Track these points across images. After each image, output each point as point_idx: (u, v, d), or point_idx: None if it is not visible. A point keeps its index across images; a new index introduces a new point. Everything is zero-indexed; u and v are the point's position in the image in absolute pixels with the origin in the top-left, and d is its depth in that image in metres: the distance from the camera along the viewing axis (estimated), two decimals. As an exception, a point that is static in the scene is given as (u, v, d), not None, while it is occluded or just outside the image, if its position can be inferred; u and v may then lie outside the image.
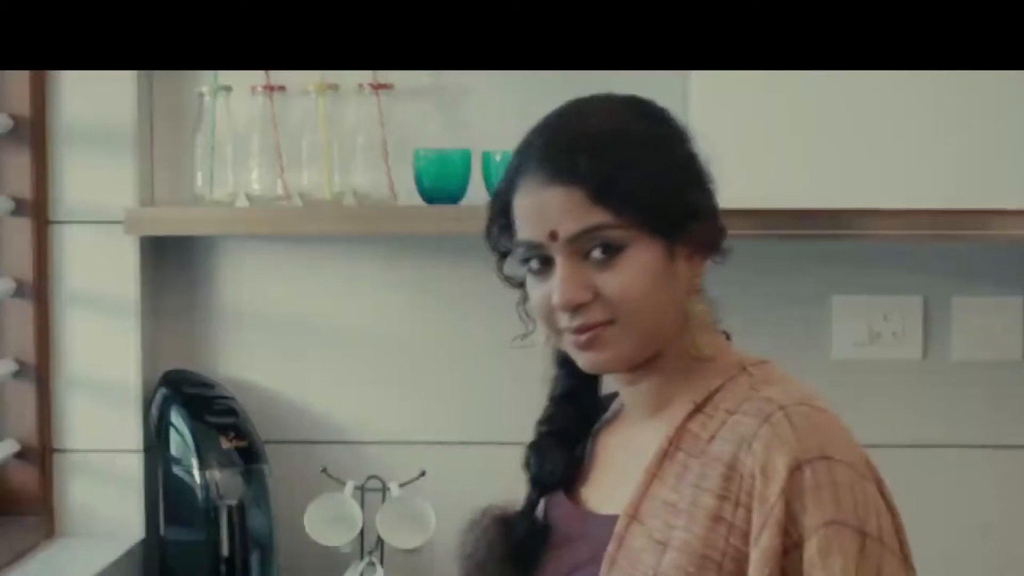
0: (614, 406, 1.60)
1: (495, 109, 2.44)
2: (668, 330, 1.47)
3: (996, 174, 2.19)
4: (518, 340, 1.57)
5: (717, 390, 1.47)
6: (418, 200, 2.36)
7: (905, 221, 2.22)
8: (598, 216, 1.43)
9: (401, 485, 2.40)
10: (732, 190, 2.18)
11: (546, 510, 1.58)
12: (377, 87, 2.37)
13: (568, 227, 1.43)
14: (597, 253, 1.43)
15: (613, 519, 1.46)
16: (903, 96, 2.17)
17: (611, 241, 1.43)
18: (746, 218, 2.20)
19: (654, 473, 1.45)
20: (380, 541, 2.38)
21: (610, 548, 1.44)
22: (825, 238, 2.33)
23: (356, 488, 2.40)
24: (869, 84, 2.15)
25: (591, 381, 1.59)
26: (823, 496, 1.37)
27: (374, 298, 2.50)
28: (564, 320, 1.46)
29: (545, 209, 1.45)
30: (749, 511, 1.38)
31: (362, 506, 2.39)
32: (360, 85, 2.38)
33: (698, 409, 1.47)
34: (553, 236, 1.44)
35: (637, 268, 1.43)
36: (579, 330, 1.45)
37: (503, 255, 1.54)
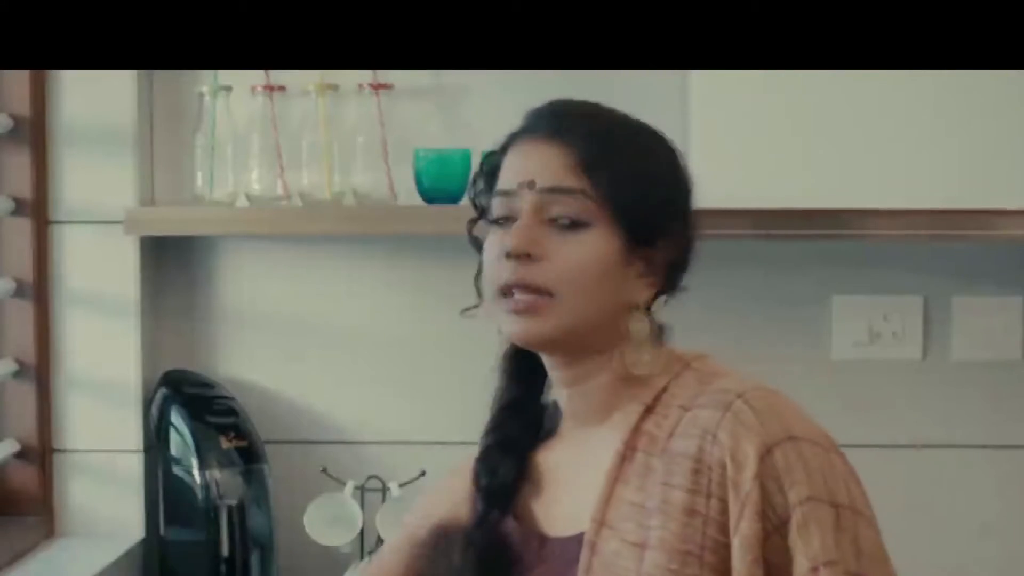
0: (547, 424, 1.57)
1: (495, 109, 2.41)
2: (600, 325, 1.46)
3: (996, 174, 2.19)
4: (467, 312, 1.57)
5: (664, 389, 1.47)
6: (418, 200, 2.36)
7: (905, 221, 2.22)
8: (578, 181, 1.44)
9: (401, 485, 2.40)
10: (732, 190, 2.18)
11: (497, 538, 1.52)
12: (377, 87, 2.37)
13: (546, 179, 1.45)
14: (563, 220, 1.45)
15: (576, 539, 1.44)
16: (903, 96, 2.17)
17: (578, 214, 1.44)
18: (746, 218, 2.21)
19: (615, 477, 1.44)
20: (380, 541, 2.38)
21: (583, 557, 1.42)
22: (825, 238, 2.33)
23: (356, 488, 2.40)
24: (869, 84, 2.15)
25: (536, 391, 1.57)
26: (795, 476, 1.37)
27: (374, 298, 2.49)
28: (507, 273, 1.45)
29: (532, 161, 1.47)
30: (723, 501, 1.38)
31: (362, 506, 2.39)
32: (360, 85, 2.38)
33: (649, 410, 1.46)
34: (530, 185, 1.46)
35: (589, 249, 1.44)
36: (518, 285, 1.44)
37: (481, 213, 1.54)
